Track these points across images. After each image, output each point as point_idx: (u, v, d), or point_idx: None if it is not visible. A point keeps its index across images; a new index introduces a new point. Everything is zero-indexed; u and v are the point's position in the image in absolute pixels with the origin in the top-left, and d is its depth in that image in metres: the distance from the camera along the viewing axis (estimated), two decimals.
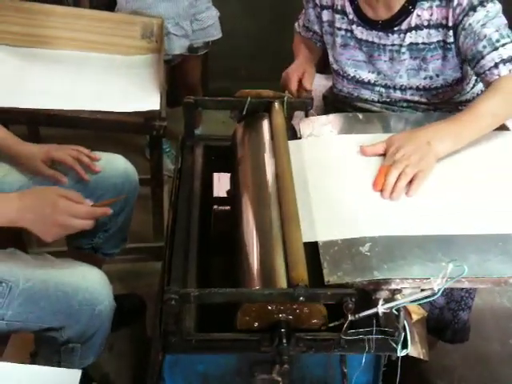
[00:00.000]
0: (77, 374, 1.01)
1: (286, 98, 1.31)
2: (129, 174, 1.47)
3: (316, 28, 1.55)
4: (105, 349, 1.33)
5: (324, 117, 1.34)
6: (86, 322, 1.17)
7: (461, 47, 1.31)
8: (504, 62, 1.23)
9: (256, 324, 0.95)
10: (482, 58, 1.25)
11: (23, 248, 1.79)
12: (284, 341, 0.93)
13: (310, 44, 1.62)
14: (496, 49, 1.24)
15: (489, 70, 1.24)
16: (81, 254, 1.52)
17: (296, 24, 1.66)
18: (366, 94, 1.50)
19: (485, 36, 1.24)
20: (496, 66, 1.23)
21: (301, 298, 0.89)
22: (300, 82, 1.50)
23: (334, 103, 1.61)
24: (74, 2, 2.40)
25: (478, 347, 1.81)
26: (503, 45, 1.24)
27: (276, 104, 1.29)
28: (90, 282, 1.18)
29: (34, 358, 1.37)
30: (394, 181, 1.10)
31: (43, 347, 1.26)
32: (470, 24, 1.26)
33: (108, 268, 1.70)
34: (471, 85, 1.47)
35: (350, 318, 0.92)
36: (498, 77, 1.23)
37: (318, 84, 1.80)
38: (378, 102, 1.50)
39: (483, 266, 0.95)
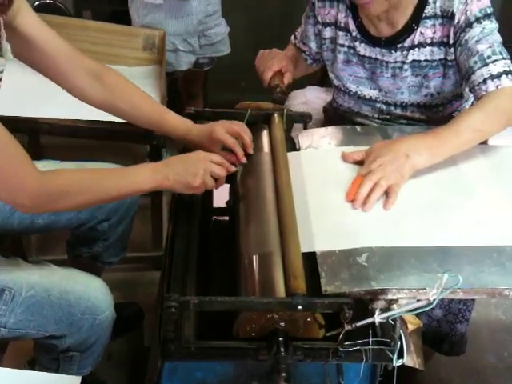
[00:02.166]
0: (76, 380, 1.02)
1: (285, 111, 1.33)
2: None
3: (311, 45, 1.55)
4: (103, 357, 1.33)
5: (323, 129, 1.37)
6: (86, 331, 1.18)
7: (458, 64, 1.33)
8: (492, 77, 1.24)
9: (254, 332, 0.96)
10: (473, 73, 1.27)
11: (23, 256, 1.80)
12: (282, 349, 0.94)
13: (300, 58, 1.62)
14: (486, 65, 1.25)
15: (478, 85, 1.26)
16: (80, 262, 1.53)
17: (292, 36, 1.66)
18: (367, 110, 1.52)
19: (477, 52, 1.27)
20: (484, 81, 1.25)
21: (299, 307, 0.91)
22: (280, 72, 1.52)
23: (333, 117, 1.63)
24: (75, 13, 2.43)
25: (474, 360, 1.82)
26: (494, 61, 1.25)
27: (276, 116, 1.31)
28: (92, 292, 1.19)
29: (31, 366, 1.38)
30: (367, 192, 1.12)
31: (42, 354, 1.27)
32: (465, 40, 1.29)
33: (107, 277, 1.70)
34: (470, 102, 1.49)
35: (347, 327, 0.93)
36: (485, 92, 1.24)
37: (316, 97, 1.83)
38: (378, 118, 1.52)
39: (478, 277, 0.97)
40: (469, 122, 1.20)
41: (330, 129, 1.36)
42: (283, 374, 0.94)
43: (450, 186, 1.17)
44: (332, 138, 1.32)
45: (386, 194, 1.13)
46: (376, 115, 1.52)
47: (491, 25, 1.28)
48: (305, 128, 1.38)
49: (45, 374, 1.05)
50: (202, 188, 1.13)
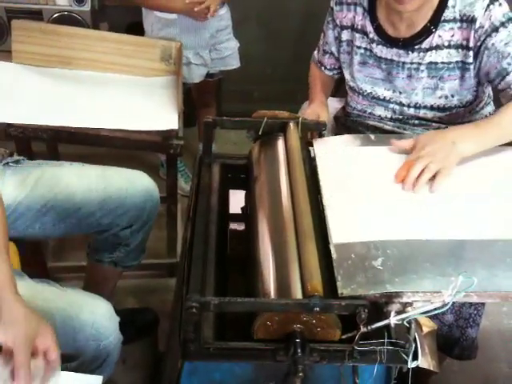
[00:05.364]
0: (98, 380, 1.03)
1: (300, 119, 1.36)
2: (150, 191, 1.49)
3: (333, 49, 1.61)
4: (118, 361, 1.35)
5: (337, 137, 1.39)
6: (91, 355, 1.19)
7: (483, 67, 1.38)
8: None
9: (271, 334, 0.98)
10: (508, 74, 1.33)
11: (42, 262, 1.83)
12: (299, 351, 0.96)
13: (325, 78, 1.69)
14: None
15: None
16: (101, 267, 1.55)
17: (315, 53, 1.71)
18: (380, 110, 1.56)
19: (509, 54, 1.32)
20: None
21: (316, 309, 0.93)
22: None
23: (345, 123, 1.66)
24: (93, 25, 2.47)
25: (485, 368, 1.83)
26: None
27: (291, 124, 1.34)
28: (97, 317, 1.19)
29: None
30: (417, 174, 1.18)
31: None
32: (492, 44, 1.34)
33: (122, 283, 1.74)
34: (481, 105, 1.53)
35: (363, 329, 0.95)
36: None
37: (330, 106, 1.85)
38: (391, 119, 1.55)
39: (492, 281, 0.99)
40: (510, 117, 1.27)
41: (344, 137, 1.38)
42: (300, 375, 0.96)
43: (472, 183, 1.21)
44: (346, 146, 1.34)
45: (434, 177, 1.19)
46: (389, 116, 1.55)
47: None
48: (320, 136, 1.40)
49: (65, 373, 1.04)
50: None
